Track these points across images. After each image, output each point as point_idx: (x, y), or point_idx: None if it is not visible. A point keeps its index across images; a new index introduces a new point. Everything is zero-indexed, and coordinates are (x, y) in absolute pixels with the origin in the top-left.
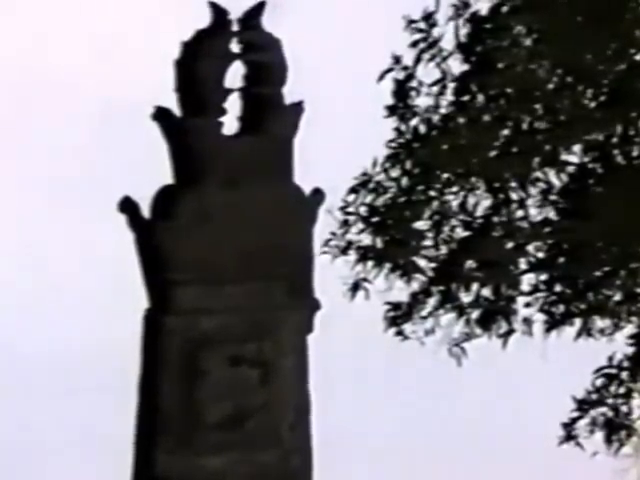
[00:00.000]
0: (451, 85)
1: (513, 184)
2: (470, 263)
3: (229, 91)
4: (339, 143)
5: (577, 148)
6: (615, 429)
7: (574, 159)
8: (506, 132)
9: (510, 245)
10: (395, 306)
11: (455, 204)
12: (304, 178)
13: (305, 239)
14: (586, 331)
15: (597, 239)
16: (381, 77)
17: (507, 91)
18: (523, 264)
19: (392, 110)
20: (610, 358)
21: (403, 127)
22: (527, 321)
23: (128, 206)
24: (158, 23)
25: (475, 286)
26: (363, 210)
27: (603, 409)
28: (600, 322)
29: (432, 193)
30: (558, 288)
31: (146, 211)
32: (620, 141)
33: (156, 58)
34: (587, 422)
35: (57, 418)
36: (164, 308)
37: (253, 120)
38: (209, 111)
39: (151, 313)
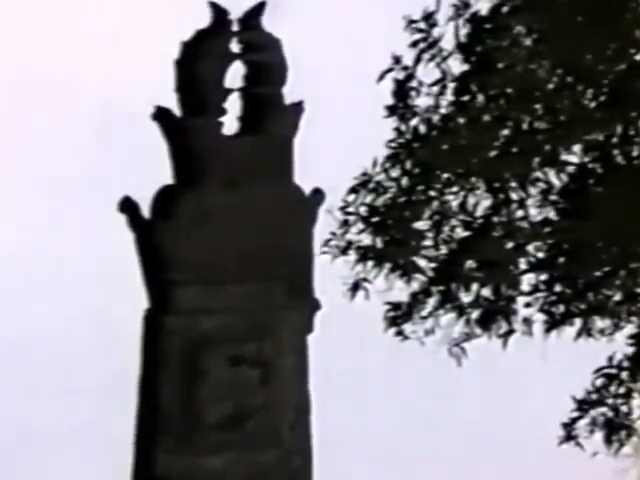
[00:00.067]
0: (451, 85)
1: (513, 184)
2: (470, 263)
3: (229, 91)
4: (339, 143)
5: (577, 148)
6: (615, 429)
7: (574, 159)
8: (506, 132)
9: (510, 245)
10: (395, 306)
11: (455, 204)
12: (304, 178)
13: (305, 239)
14: (586, 331)
15: (597, 239)
16: (381, 77)
17: (507, 91)
18: (523, 264)
19: (392, 110)
20: (610, 358)
21: (403, 127)
22: (527, 321)
23: (128, 206)
24: (158, 23)
25: (475, 286)
26: (363, 210)
27: (603, 409)
28: (600, 322)
29: (432, 193)
30: (558, 288)
31: (146, 211)
32: (620, 141)
33: (156, 58)
34: (587, 422)
35: (57, 418)
36: (164, 308)
37: (253, 120)
38: (209, 111)
39: (151, 313)
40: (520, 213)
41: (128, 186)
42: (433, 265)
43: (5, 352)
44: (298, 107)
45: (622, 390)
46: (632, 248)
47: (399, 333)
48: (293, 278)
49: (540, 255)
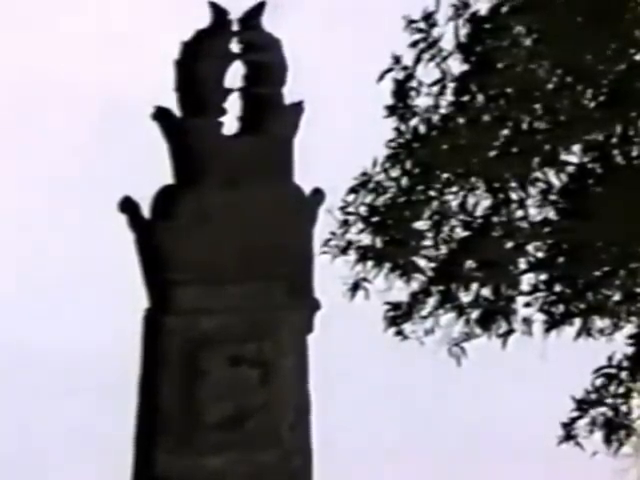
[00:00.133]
0: (451, 85)
1: (513, 184)
2: (470, 263)
3: (229, 91)
4: (339, 143)
5: (577, 148)
6: (615, 429)
7: (574, 159)
8: (506, 132)
9: (510, 245)
10: (395, 306)
11: (455, 204)
12: (304, 178)
13: (305, 239)
14: (586, 331)
15: (597, 239)
16: (381, 77)
17: (507, 91)
18: (523, 264)
19: (392, 110)
20: (610, 358)
21: (403, 127)
22: (527, 321)
23: (128, 206)
24: (158, 23)
25: (475, 286)
26: (363, 210)
27: (603, 409)
28: (600, 322)
29: (432, 193)
30: (558, 288)
31: (146, 211)
32: (620, 141)
33: (156, 58)
34: (587, 422)
35: (57, 418)
36: (164, 308)
37: (253, 120)
38: (209, 111)
39: (151, 313)
40: (520, 213)
41: (128, 186)
42: (433, 265)
43: (4, 352)
44: (298, 107)
45: (622, 390)
46: (632, 248)
47: (399, 333)
48: (293, 278)
49: (540, 255)
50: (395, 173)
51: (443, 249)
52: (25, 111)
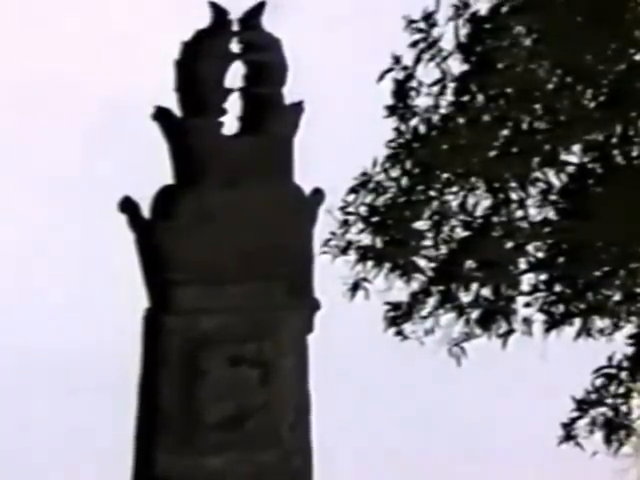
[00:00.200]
0: (451, 85)
1: (513, 184)
2: (470, 263)
3: (229, 91)
4: (339, 143)
5: (577, 148)
6: (615, 429)
7: (574, 159)
8: (506, 132)
9: (510, 245)
10: (395, 306)
11: (455, 204)
12: (304, 178)
13: (305, 239)
14: (586, 331)
15: (597, 239)
16: (381, 77)
17: (507, 91)
18: (523, 264)
19: (392, 110)
20: (609, 358)
21: (403, 127)
22: (527, 321)
23: (128, 206)
24: (158, 23)
25: (475, 286)
26: (363, 210)
27: (602, 409)
28: (600, 322)
29: (432, 193)
30: (558, 288)
31: (146, 211)
32: (620, 141)
33: (156, 58)
34: (587, 422)
35: (57, 418)
36: (164, 308)
37: (253, 120)
38: (209, 111)
39: (151, 313)
40: (520, 213)
41: (128, 186)
42: (433, 265)
43: (4, 352)
44: (298, 107)
45: (622, 390)
46: (632, 248)
47: (399, 333)
48: (293, 278)
49: (540, 255)
50: (395, 173)
51: (443, 249)
52: (25, 111)
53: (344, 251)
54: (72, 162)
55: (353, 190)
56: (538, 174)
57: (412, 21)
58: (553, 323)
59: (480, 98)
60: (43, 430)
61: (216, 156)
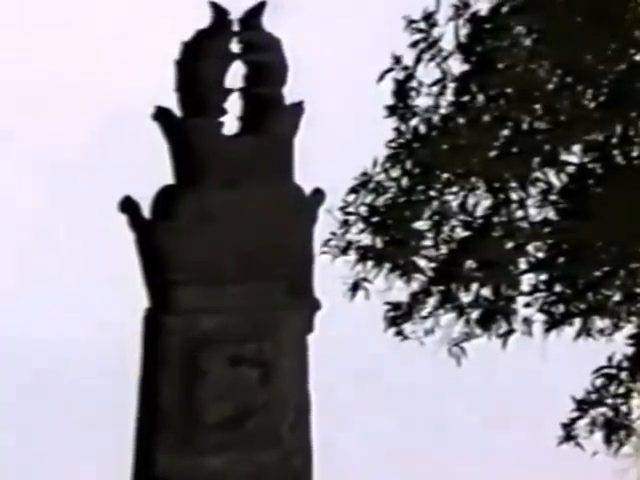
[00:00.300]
0: (451, 85)
1: (513, 184)
2: (470, 263)
3: (229, 91)
4: (339, 143)
5: (577, 148)
6: (615, 429)
7: (574, 159)
8: (506, 132)
9: (510, 245)
10: (395, 306)
11: (455, 204)
12: (304, 178)
13: (305, 239)
14: (586, 331)
15: (597, 239)
16: (381, 77)
17: (507, 91)
18: (523, 264)
19: (392, 110)
20: (609, 358)
21: (403, 127)
22: (527, 321)
23: (128, 206)
24: (158, 23)
25: (475, 286)
26: (363, 210)
27: (603, 409)
28: (600, 322)
29: (432, 193)
30: (558, 288)
31: (146, 211)
32: (620, 141)
33: (156, 58)
34: (587, 422)
35: (57, 418)
36: (164, 308)
37: (253, 120)
38: (209, 111)
39: (151, 313)
40: (520, 213)
41: (128, 186)
42: (433, 265)
43: (4, 351)
44: (298, 107)
45: (622, 390)
46: (632, 248)
47: (399, 333)
48: (293, 278)
49: (540, 255)
50: (395, 173)
51: (443, 249)
52: (25, 111)
53: (344, 251)
54: (72, 162)
55: (353, 190)
56: (538, 174)
57: (412, 21)
58: (553, 323)
59: (480, 98)
60: (43, 430)
61: (216, 156)
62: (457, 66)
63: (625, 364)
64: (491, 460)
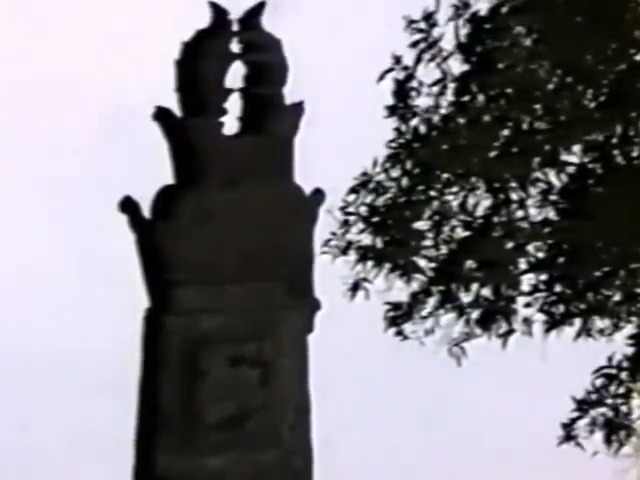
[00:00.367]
0: (451, 85)
1: (513, 184)
2: (470, 263)
3: (229, 91)
4: (339, 143)
5: (577, 148)
6: (615, 429)
7: (574, 159)
8: (506, 132)
9: (510, 245)
10: (395, 306)
11: (455, 204)
12: (304, 178)
13: (305, 239)
14: (586, 331)
15: (597, 239)
16: (381, 77)
17: (507, 91)
18: (523, 264)
19: (392, 110)
20: (610, 358)
21: (403, 127)
22: (527, 321)
23: (129, 206)
24: (158, 23)
25: (475, 286)
26: (363, 210)
27: (603, 409)
28: (600, 322)
29: (432, 193)
30: (558, 288)
31: (146, 211)
32: (620, 141)
33: (156, 58)
34: (587, 422)
35: (57, 418)
36: (164, 308)
37: (253, 120)
38: (209, 111)
39: (151, 313)
40: (520, 213)
41: (128, 186)
42: (433, 265)
43: (5, 352)
44: (298, 107)
45: (622, 390)
46: (632, 248)
47: (399, 333)
48: (293, 278)
49: (540, 255)
50: (395, 173)
51: (443, 249)
52: (25, 111)
53: (344, 251)
54: (72, 162)
55: (353, 190)
56: (538, 174)
57: (412, 21)
58: (553, 323)
59: (480, 98)
60: (43, 430)
61: (216, 156)
62: (457, 66)
63: (625, 364)
64: (491, 460)
